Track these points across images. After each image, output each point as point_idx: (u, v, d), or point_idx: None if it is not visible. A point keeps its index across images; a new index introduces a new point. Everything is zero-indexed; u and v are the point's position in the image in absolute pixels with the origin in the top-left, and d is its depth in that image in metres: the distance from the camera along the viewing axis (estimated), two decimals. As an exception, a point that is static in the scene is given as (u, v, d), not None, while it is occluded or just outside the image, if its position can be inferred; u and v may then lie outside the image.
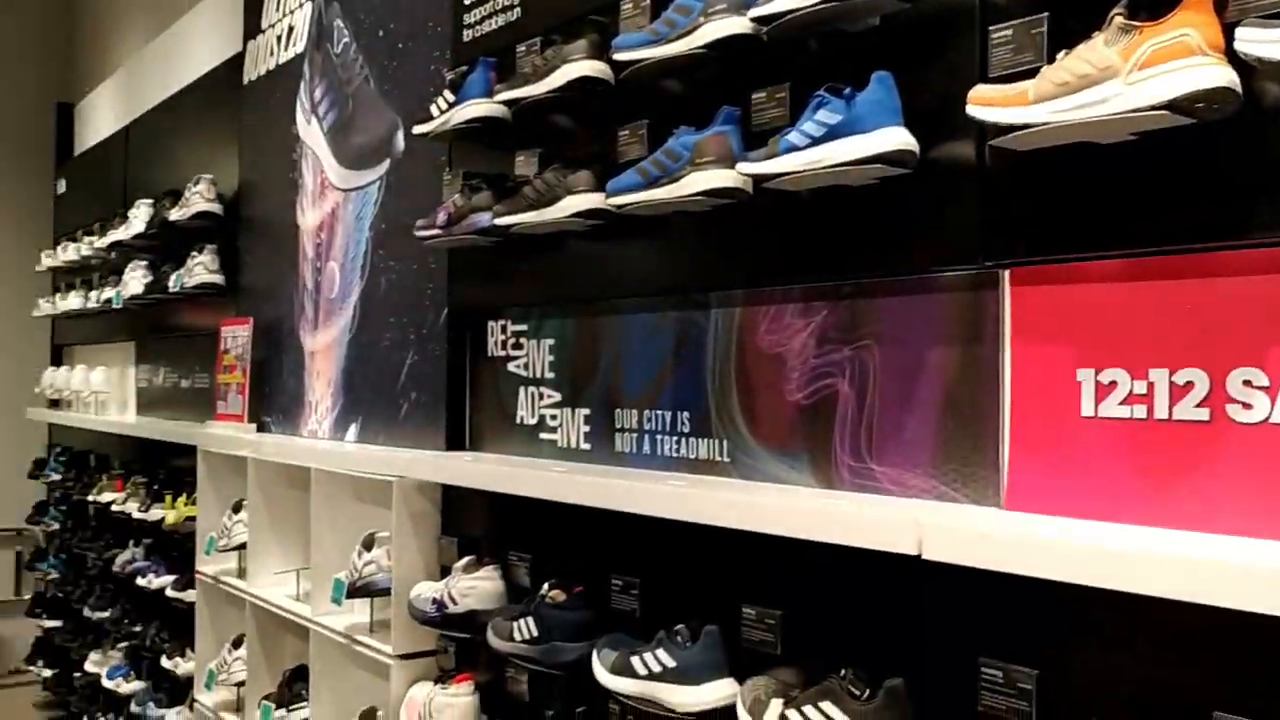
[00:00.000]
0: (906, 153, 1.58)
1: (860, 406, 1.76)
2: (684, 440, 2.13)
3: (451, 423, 2.80)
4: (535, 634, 2.14)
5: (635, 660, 1.89)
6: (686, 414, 2.13)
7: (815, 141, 1.61)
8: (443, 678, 2.56)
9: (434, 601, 2.47)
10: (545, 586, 2.23)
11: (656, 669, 1.85)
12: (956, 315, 1.63)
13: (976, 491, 1.59)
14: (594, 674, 1.99)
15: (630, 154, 2.16)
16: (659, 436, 2.20)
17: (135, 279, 4.65)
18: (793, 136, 1.64)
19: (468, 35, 2.76)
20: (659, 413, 2.20)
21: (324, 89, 3.56)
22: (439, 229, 2.54)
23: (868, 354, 1.76)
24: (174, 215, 4.24)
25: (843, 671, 1.61)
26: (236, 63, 4.22)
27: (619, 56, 2.03)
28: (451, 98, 2.51)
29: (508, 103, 2.37)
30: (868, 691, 1.56)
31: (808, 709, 1.60)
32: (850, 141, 1.58)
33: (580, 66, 2.12)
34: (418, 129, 2.64)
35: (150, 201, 4.64)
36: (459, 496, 2.72)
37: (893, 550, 1.44)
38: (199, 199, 4.07)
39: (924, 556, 1.41)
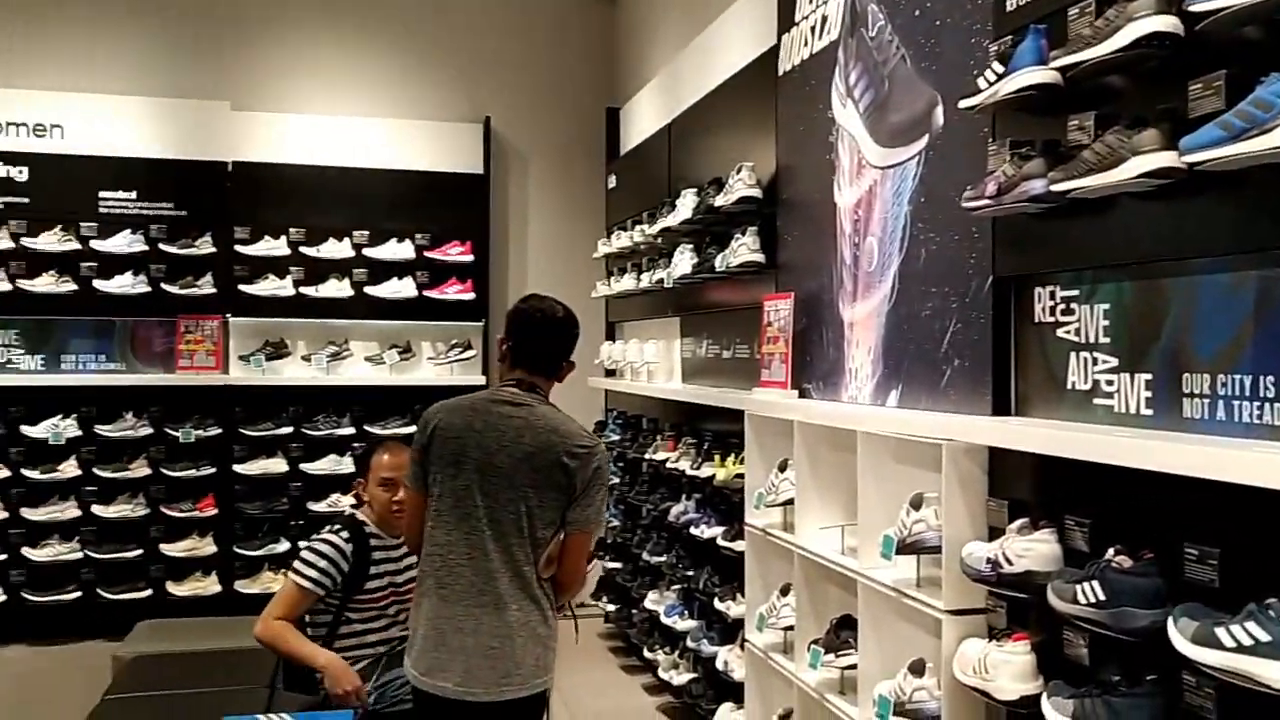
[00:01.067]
0: None
1: None
2: (1269, 406, 2.03)
3: (997, 389, 2.86)
4: (1102, 598, 2.16)
5: (1221, 631, 1.85)
6: (1272, 379, 2.02)
7: None
8: (997, 635, 2.64)
9: (988, 561, 2.56)
10: (1110, 551, 2.23)
11: (1247, 642, 1.80)
12: None
13: None
14: (1170, 642, 1.97)
15: (1203, 109, 2.08)
16: (1236, 402, 2.10)
17: (684, 260, 5.18)
18: None
19: (1010, 5, 2.78)
20: (1236, 377, 2.10)
21: (859, 72, 3.74)
22: (988, 199, 2.60)
23: None
24: (718, 201, 4.67)
25: None
26: (770, 56, 4.55)
27: (1200, 7, 1.96)
28: (1000, 68, 2.56)
29: (1063, 68, 2.37)
30: None
31: None
32: None
33: (1151, 23, 2.08)
34: (965, 102, 2.71)
35: (694, 190, 5.14)
36: (1008, 460, 2.77)
37: None
38: (741, 185, 4.45)
39: None
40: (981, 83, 2.63)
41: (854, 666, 3.34)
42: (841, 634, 3.47)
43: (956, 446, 2.83)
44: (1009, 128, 2.77)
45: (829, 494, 3.76)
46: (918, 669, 2.93)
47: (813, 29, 4.15)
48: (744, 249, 4.44)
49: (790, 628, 3.86)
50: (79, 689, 4.46)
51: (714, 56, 5.53)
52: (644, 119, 7.00)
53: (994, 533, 2.74)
